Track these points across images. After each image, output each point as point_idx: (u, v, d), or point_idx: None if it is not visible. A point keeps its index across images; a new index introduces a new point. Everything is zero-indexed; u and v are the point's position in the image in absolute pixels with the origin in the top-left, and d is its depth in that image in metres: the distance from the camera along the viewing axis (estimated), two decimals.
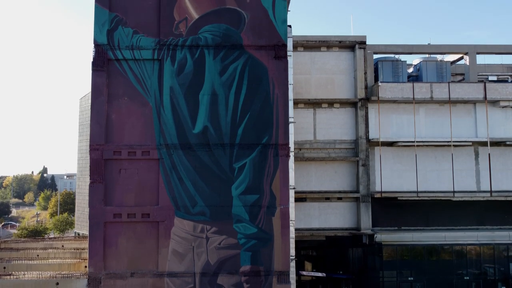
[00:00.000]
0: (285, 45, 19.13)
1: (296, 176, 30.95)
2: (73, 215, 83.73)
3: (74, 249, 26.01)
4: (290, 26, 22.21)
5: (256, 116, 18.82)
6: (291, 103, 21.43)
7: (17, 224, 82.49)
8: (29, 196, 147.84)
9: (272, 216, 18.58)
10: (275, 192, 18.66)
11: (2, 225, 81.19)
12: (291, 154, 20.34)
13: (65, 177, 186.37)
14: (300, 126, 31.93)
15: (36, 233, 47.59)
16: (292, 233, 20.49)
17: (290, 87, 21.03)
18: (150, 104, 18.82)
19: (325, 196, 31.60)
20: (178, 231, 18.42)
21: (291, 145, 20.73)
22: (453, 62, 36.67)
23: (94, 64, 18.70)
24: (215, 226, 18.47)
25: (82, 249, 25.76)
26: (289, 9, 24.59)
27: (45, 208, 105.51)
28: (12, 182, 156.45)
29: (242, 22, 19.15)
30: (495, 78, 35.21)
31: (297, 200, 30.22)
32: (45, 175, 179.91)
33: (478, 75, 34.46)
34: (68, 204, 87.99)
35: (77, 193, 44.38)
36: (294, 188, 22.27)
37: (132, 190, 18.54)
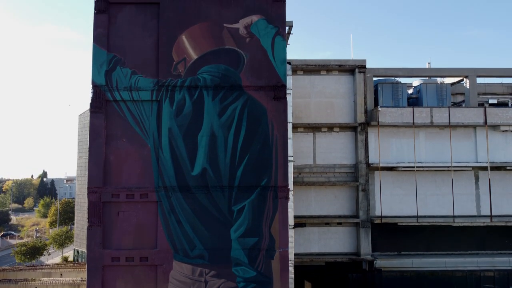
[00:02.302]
0: (284, 86, 18.98)
1: (295, 201, 30.98)
2: (73, 224, 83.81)
3: (73, 280, 25.90)
4: (289, 63, 22.13)
5: (255, 158, 18.68)
6: (290, 142, 21.26)
7: (17, 234, 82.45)
8: (28, 202, 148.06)
9: (271, 259, 18.44)
10: (274, 234, 18.52)
11: (2, 235, 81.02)
12: (291, 195, 20.19)
13: (64, 181, 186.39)
14: (299, 150, 31.89)
15: (35, 250, 47.41)
16: (292, 273, 20.37)
17: (290, 126, 20.93)
18: (149, 146, 18.68)
19: (324, 221, 31.49)
20: (176, 274, 18.28)
21: (290, 185, 20.60)
22: (453, 84, 36.58)
23: (92, 106, 18.57)
24: (214, 270, 18.33)
25: (81, 280, 25.69)
26: (288, 43, 24.55)
27: (44, 216, 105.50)
28: (12, 187, 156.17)
29: (241, 63, 19.01)
30: (495, 101, 35.10)
31: (296, 225, 30.20)
32: (44, 179, 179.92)
33: (479, 98, 34.38)
34: (67, 213, 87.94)
35: (76, 210, 44.30)
36: (293, 228, 22.12)
37: (131, 233, 18.40)
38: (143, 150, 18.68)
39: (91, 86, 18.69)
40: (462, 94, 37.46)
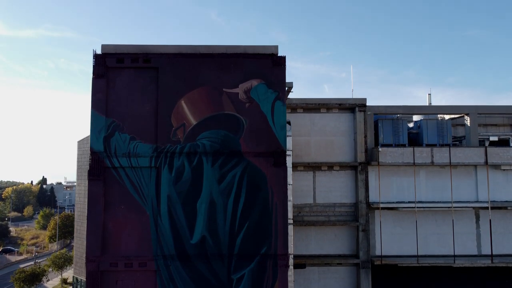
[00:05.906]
0: (284, 152, 18.85)
1: (295, 240, 30.81)
2: (72, 238, 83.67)
3: None
4: (289, 122, 21.93)
5: (254, 225, 18.55)
6: (290, 204, 21.07)
7: (16, 250, 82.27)
8: (28, 210, 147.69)
9: None
10: None
11: (1, 251, 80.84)
12: (290, 256, 20.03)
13: (64, 187, 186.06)
14: (299, 189, 31.71)
15: (34, 276, 47.27)
16: None
17: (290, 187, 20.75)
18: (148, 213, 18.55)
19: (324, 262, 31.29)
20: None
21: (290, 249, 20.43)
22: (453, 119, 36.44)
23: (91, 173, 18.43)
24: None
25: None
26: (292, 91, 24.38)
27: (44, 227, 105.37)
28: (11, 195, 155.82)
29: (241, 128, 18.87)
30: (496, 138, 34.87)
31: (296, 266, 30.03)
32: (44, 186, 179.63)
33: (479, 134, 34.18)
34: (67, 227, 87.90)
35: (75, 237, 44.10)
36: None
37: None
38: (141, 218, 18.55)
39: (90, 153, 18.52)
40: (463, 125, 37.25)
